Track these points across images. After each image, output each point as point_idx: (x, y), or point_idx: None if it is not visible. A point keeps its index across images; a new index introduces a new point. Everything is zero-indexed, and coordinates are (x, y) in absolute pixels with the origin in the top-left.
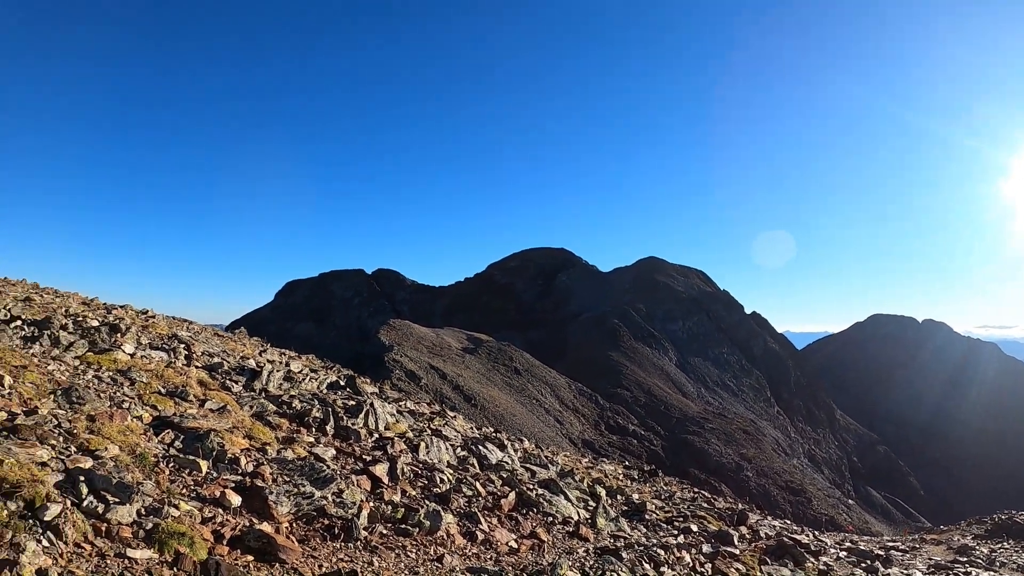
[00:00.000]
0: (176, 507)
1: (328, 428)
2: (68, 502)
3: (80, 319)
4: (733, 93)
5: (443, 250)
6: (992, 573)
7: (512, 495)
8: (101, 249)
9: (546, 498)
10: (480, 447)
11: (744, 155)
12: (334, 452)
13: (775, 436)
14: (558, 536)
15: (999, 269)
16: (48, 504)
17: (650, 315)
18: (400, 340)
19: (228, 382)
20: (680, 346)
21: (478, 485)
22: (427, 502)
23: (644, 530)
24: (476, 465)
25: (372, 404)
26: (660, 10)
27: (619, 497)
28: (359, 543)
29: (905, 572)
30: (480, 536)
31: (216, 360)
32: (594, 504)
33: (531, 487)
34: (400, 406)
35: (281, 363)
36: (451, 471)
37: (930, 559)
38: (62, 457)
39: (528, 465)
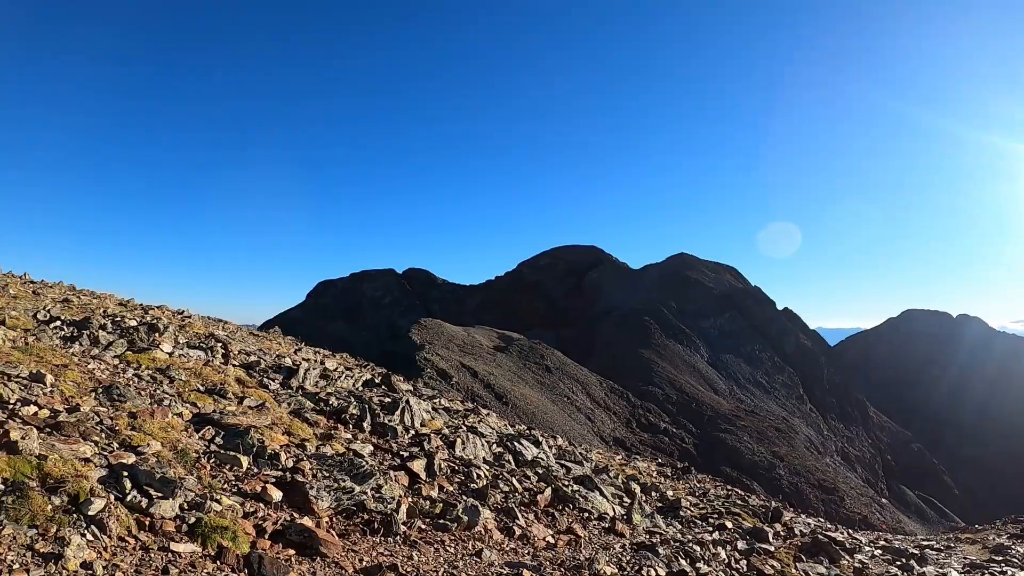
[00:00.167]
0: (218, 502)
1: (365, 425)
2: (112, 497)
3: (118, 319)
4: (765, 87)
5: (474, 249)
6: None
7: (548, 491)
8: (132, 252)
9: (582, 494)
10: (515, 443)
11: (775, 150)
12: (372, 448)
13: (808, 434)
14: (594, 532)
15: None
16: (92, 499)
17: (681, 312)
18: (431, 339)
19: (265, 380)
20: (712, 343)
21: (514, 481)
22: (464, 497)
23: (679, 526)
24: (512, 461)
25: (408, 401)
26: (689, 8)
27: (653, 494)
28: (398, 538)
29: (940, 571)
30: (517, 531)
31: (253, 359)
32: (629, 500)
33: (566, 483)
34: (435, 403)
35: (316, 361)
36: (487, 467)
37: (965, 558)
38: (105, 453)
39: (563, 461)
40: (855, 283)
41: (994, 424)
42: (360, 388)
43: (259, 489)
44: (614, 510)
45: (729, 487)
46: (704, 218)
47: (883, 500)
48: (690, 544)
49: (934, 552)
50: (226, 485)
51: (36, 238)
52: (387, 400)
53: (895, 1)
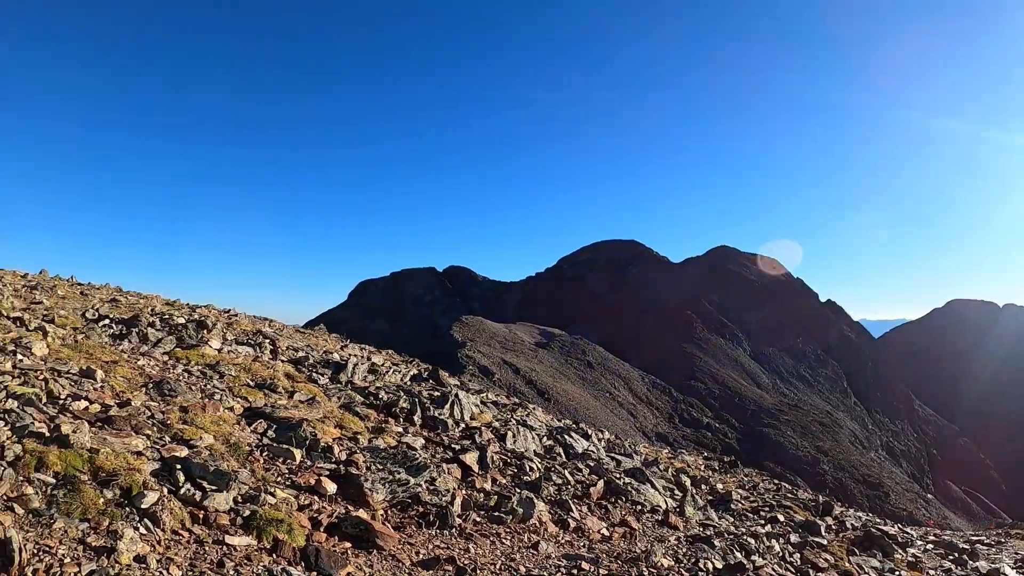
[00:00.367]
0: (272, 494)
1: (416, 418)
2: (165, 490)
3: (166, 317)
4: (808, 76)
5: (514, 246)
6: None
7: (600, 484)
8: (172, 255)
9: (633, 487)
10: (565, 436)
11: (815, 139)
12: (423, 441)
13: (852, 428)
14: (648, 524)
15: None
16: (145, 492)
17: (723, 305)
18: (473, 336)
19: (314, 375)
20: (754, 336)
21: (567, 473)
22: (518, 490)
23: (731, 519)
24: (562, 454)
25: (457, 395)
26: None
27: (703, 487)
28: (454, 530)
29: (993, 566)
30: (572, 524)
31: (301, 354)
32: (680, 493)
33: (618, 476)
34: (483, 397)
35: (364, 357)
36: (539, 460)
37: (1016, 553)
38: (157, 446)
39: (613, 454)
40: (899, 273)
41: None
42: (408, 383)
43: (313, 482)
44: (666, 503)
45: (776, 481)
46: (745, 209)
47: (928, 496)
48: (744, 537)
49: (984, 547)
50: (280, 478)
51: (80, 241)
52: (436, 394)
53: None
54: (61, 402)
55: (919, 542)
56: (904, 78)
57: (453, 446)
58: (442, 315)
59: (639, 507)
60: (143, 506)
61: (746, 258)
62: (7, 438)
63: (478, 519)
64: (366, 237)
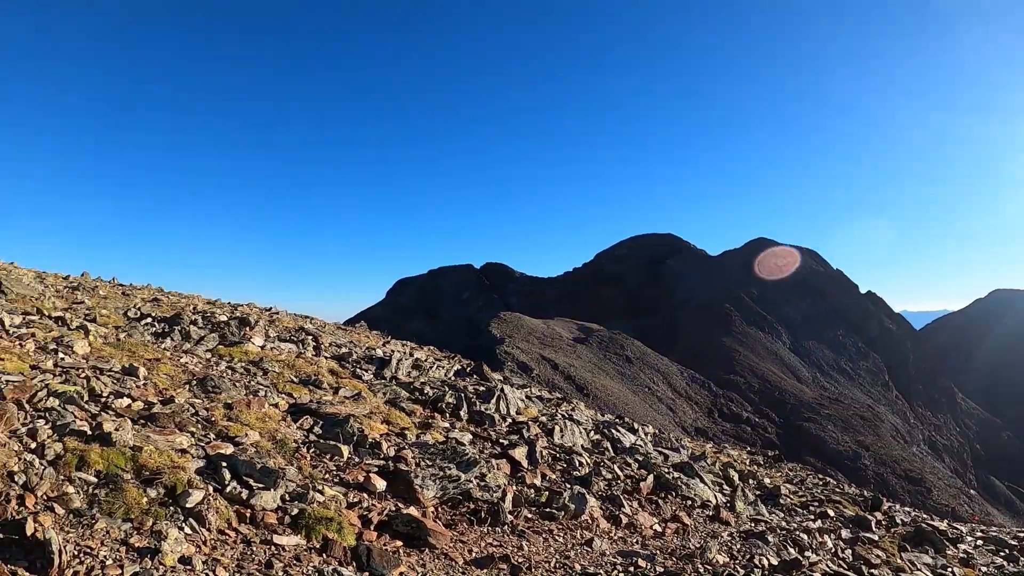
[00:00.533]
0: (321, 492)
1: (462, 413)
2: (210, 488)
3: (208, 315)
4: (846, 65)
5: (551, 241)
6: None
7: (650, 478)
8: (209, 256)
9: (683, 481)
10: (612, 431)
11: (852, 128)
12: (471, 436)
13: (893, 422)
14: (699, 520)
15: None
16: (190, 490)
17: (762, 298)
18: (511, 332)
19: (358, 371)
20: (794, 329)
21: (616, 468)
22: (568, 485)
23: (781, 514)
24: (610, 448)
25: (503, 390)
26: None
27: (751, 481)
28: (506, 527)
29: None
30: (624, 520)
31: (344, 350)
32: (729, 488)
33: (667, 470)
34: (528, 392)
35: (406, 353)
36: (587, 454)
37: None
38: (202, 444)
39: (660, 449)
40: (941, 263)
41: None
42: (452, 378)
43: (362, 479)
44: (716, 498)
45: (820, 476)
46: (783, 201)
47: (971, 491)
48: (797, 532)
49: None
50: (327, 475)
51: (121, 245)
52: (481, 389)
53: None
54: (103, 400)
55: (968, 538)
56: (954, 79)
57: (501, 441)
58: (480, 312)
59: (689, 502)
60: (188, 505)
61: (784, 250)
62: (48, 436)
63: (529, 515)
64: (403, 236)
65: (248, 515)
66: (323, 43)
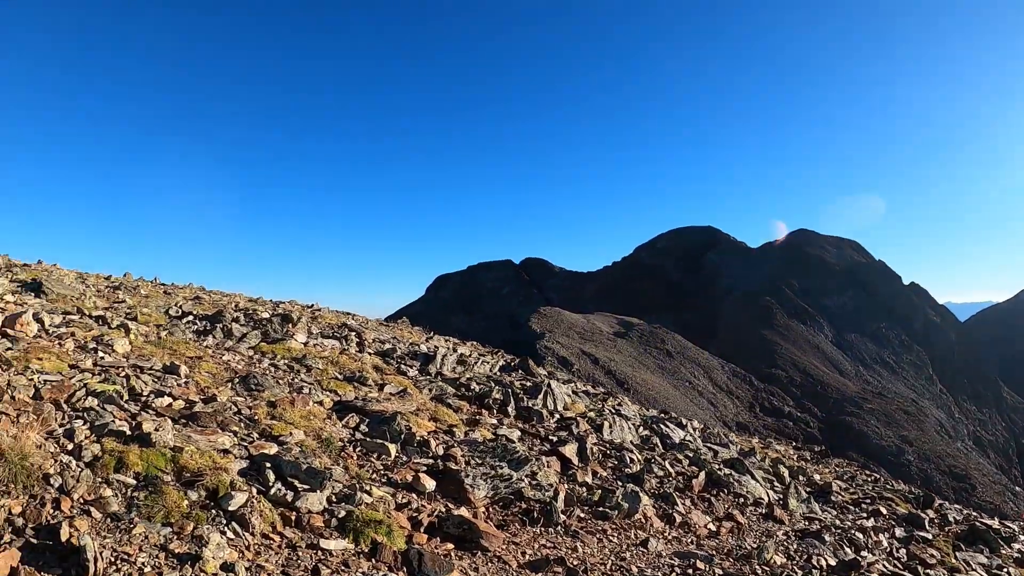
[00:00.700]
0: (368, 493)
1: (509, 409)
2: (254, 490)
3: (250, 312)
4: (891, 51)
5: (589, 235)
6: None
7: (702, 475)
8: (251, 253)
9: (734, 478)
10: (661, 426)
11: (895, 117)
12: (519, 433)
13: (938, 417)
14: (753, 518)
15: None
16: (233, 492)
17: (803, 291)
18: (551, 327)
19: (403, 367)
20: (836, 322)
21: (667, 465)
22: (620, 483)
23: (834, 512)
24: (660, 444)
25: (549, 385)
26: None
27: (801, 478)
28: (559, 527)
29: None
30: (677, 519)
31: (388, 346)
32: (780, 485)
33: (718, 467)
34: (574, 387)
35: (450, 348)
36: (637, 451)
37: None
38: (245, 443)
39: (709, 444)
40: (986, 253)
41: None
42: (498, 373)
43: (410, 478)
44: (768, 495)
45: (868, 472)
46: (824, 192)
47: (1017, 488)
48: (852, 531)
49: None
50: (375, 475)
51: (161, 245)
52: (528, 384)
53: None
54: (143, 399)
55: (1022, 537)
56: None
57: (550, 438)
58: (519, 307)
59: (742, 500)
60: (230, 508)
61: (825, 240)
62: (85, 437)
63: (582, 515)
64: (443, 232)
65: (293, 518)
66: (368, 35)
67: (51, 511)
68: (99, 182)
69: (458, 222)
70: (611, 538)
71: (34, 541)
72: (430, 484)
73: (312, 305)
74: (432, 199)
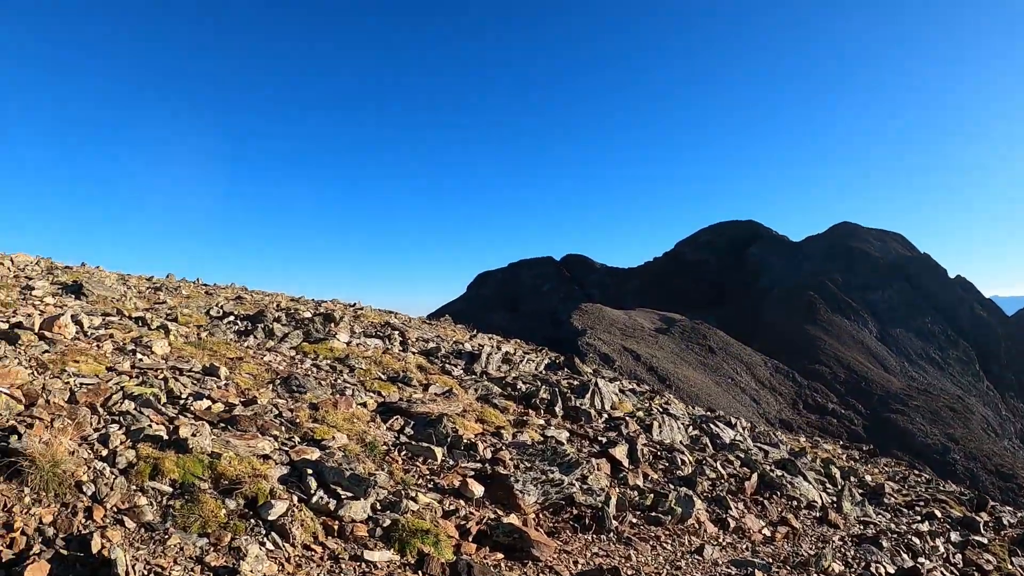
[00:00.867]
0: (414, 500)
1: (557, 409)
2: (295, 498)
3: (292, 312)
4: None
5: (630, 231)
6: None
7: (754, 477)
8: (291, 253)
9: (787, 480)
10: (710, 425)
11: (944, 107)
12: (567, 434)
13: (984, 414)
14: (807, 522)
15: None
16: (272, 501)
17: (847, 285)
18: (592, 324)
19: (447, 366)
20: (880, 317)
21: (718, 466)
22: (672, 486)
23: (888, 515)
24: (710, 445)
25: (597, 383)
26: None
27: (852, 479)
28: (611, 534)
29: None
30: (731, 523)
31: (432, 345)
32: (833, 486)
33: (770, 468)
34: (620, 385)
35: (494, 346)
36: (688, 452)
37: None
38: (286, 448)
39: (759, 444)
40: None
41: None
42: (544, 372)
43: (457, 484)
44: (821, 498)
45: (916, 471)
46: (868, 182)
47: None
48: (909, 536)
49: None
50: (421, 480)
51: (204, 244)
52: (575, 383)
53: None
54: (182, 402)
55: None
56: None
57: (599, 438)
58: (561, 304)
59: (795, 503)
60: (270, 517)
61: (869, 234)
62: (120, 443)
63: (634, 520)
64: (483, 229)
65: (336, 527)
66: (407, 29)
67: (83, 520)
68: (130, 180)
69: (499, 219)
70: (665, 545)
71: (64, 552)
72: (478, 490)
73: (354, 304)
74: (473, 196)
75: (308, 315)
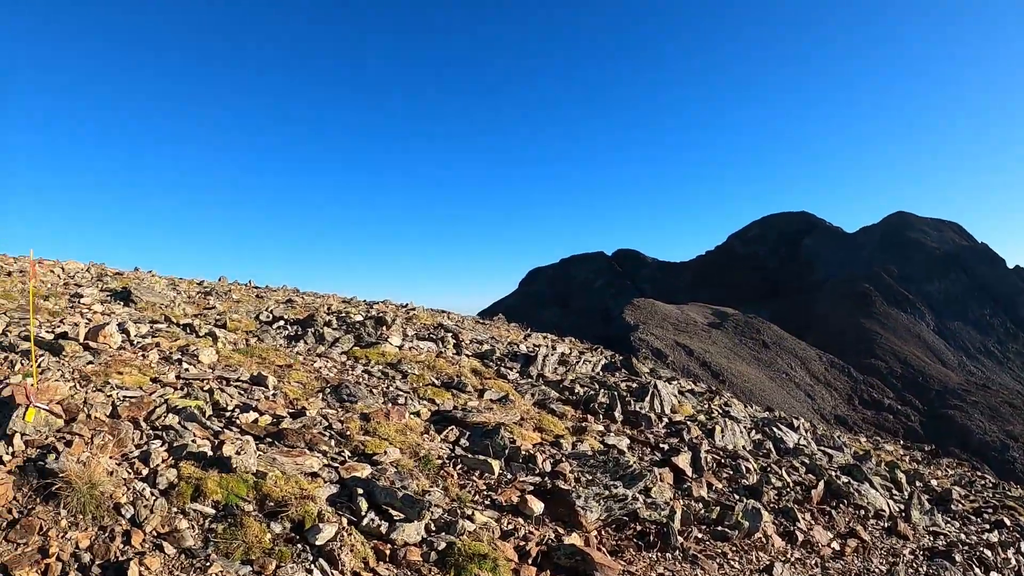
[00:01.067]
0: (471, 519)
1: (616, 414)
2: (344, 521)
3: (343, 315)
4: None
5: (682, 224)
6: None
7: (820, 485)
8: (342, 253)
9: (854, 487)
10: (773, 429)
11: (1000, 88)
12: (628, 441)
13: None
14: (875, 533)
15: None
16: (320, 524)
17: (902, 276)
18: (645, 319)
19: (503, 369)
20: (937, 309)
21: (783, 473)
22: (738, 496)
23: (957, 524)
24: (773, 450)
25: (656, 385)
26: None
27: (918, 484)
28: (677, 552)
29: None
30: (799, 536)
31: (486, 347)
32: (898, 492)
33: (835, 474)
34: (679, 386)
35: (549, 346)
36: (752, 458)
37: None
38: (335, 465)
39: (823, 447)
40: None
41: None
42: (600, 373)
43: (516, 500)
44: (889, 506)
45: (979, 473)
46: (923, 169)
47: None
48: (980, 548)
49: None
50: (477, 496)
51: (257, 245)
52: (633, 385)
53: None
54: (228, 414)
55: None
56: None
57: (661, 445)
58: (613, 299)
59: (863, 512)
60: (318, 542)
61: (925, 223)
62: (162, 461)
63: (700, 535)
64: (535, 225)
65: (388, 552)
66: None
67: (120, 546)
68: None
69: (550, 215)
70: (732, 563)
71: None
72: (537, 506)
73: (406, 305)
74: (525, 192)
75: (359, 318)
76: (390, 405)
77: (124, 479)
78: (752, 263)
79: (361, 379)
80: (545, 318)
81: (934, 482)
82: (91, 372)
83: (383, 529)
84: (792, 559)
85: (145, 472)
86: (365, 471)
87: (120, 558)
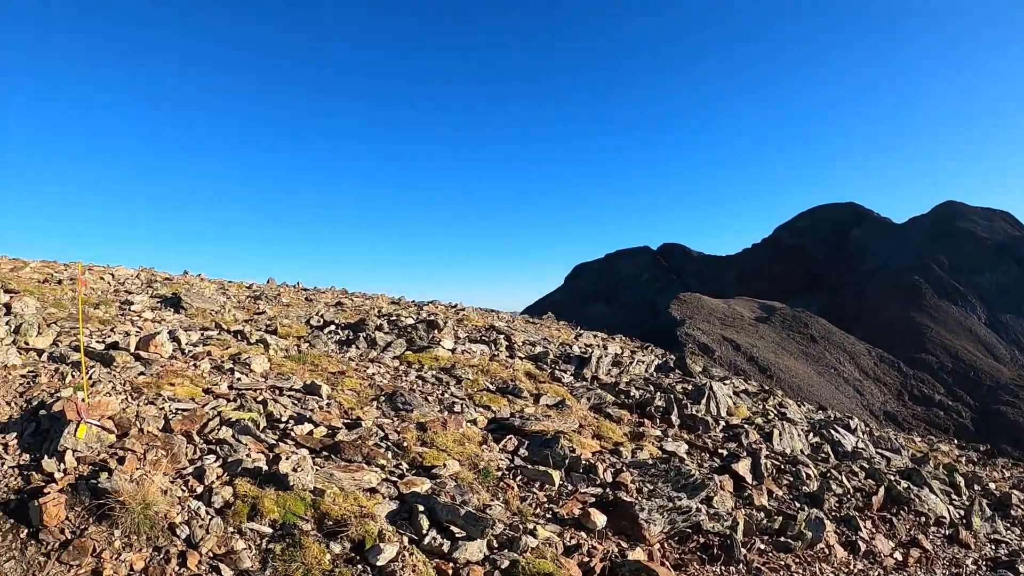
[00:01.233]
0: (533, 534)
1: (673, 418)
2: (405, 539)
3: (394, 318)
4: None
5: (727, 217)
6: None
7: (881, 491)
8: (387, 251)
9: (913, 492)
10: (830, 431)
11: None
12: (686, 446)
13: None
14: (937, 541)
15: None
16: (381, 544)
17: (953, 268)
18: (691, 313)
19: (557, 372)
20: (988, 301)
21: (843, 479)
22: (799, 504)
23: (1017, 531)
24: (831, 454)
25: (711, 387)
26: None
27: (976, 487)
28: (740, 565)
29: None
30: (862, 546)
31: (539, 349)
32: (958, 497)
33: (895, 479)
34: (734, 386)
35: (601, 347)
36: (811, 463)
37: None
38: (393, 479)
39: (880, 450)
40: None
41: None
42: (655, 374)
43: (578, 512)
44: (949, 512)
45: None
46: (973, 157)
47: None
48: None
49: None
50: (539, 509)
51: (303, 245)
52: (689, 387)
53: None
54: (282, 426)
55: None
56: None
57: (719, 451)
58: (658, 294)
59: (923, 519)
60: (379, 563)
61: (975, 213)
62: (216, 477)
63: (762, 546)
64: (580, 220)
65: (450, 571)
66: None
67: (176, 568)
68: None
69: (595, 209)
70: (795, 575)
71: None
72: (600, 520)
73: (455, 305)
74: (569, 188)
75: (410, 321)
76: (446, 413)
77: (178, 498)
78: (800, 256)
79: (415, 385)
80: (591, 313)
81: (992, 485)
82: (143, 384)
83: (445, 548)
84: (855, 570)
85: (200, 490)
86: (424, 485)
87: None
